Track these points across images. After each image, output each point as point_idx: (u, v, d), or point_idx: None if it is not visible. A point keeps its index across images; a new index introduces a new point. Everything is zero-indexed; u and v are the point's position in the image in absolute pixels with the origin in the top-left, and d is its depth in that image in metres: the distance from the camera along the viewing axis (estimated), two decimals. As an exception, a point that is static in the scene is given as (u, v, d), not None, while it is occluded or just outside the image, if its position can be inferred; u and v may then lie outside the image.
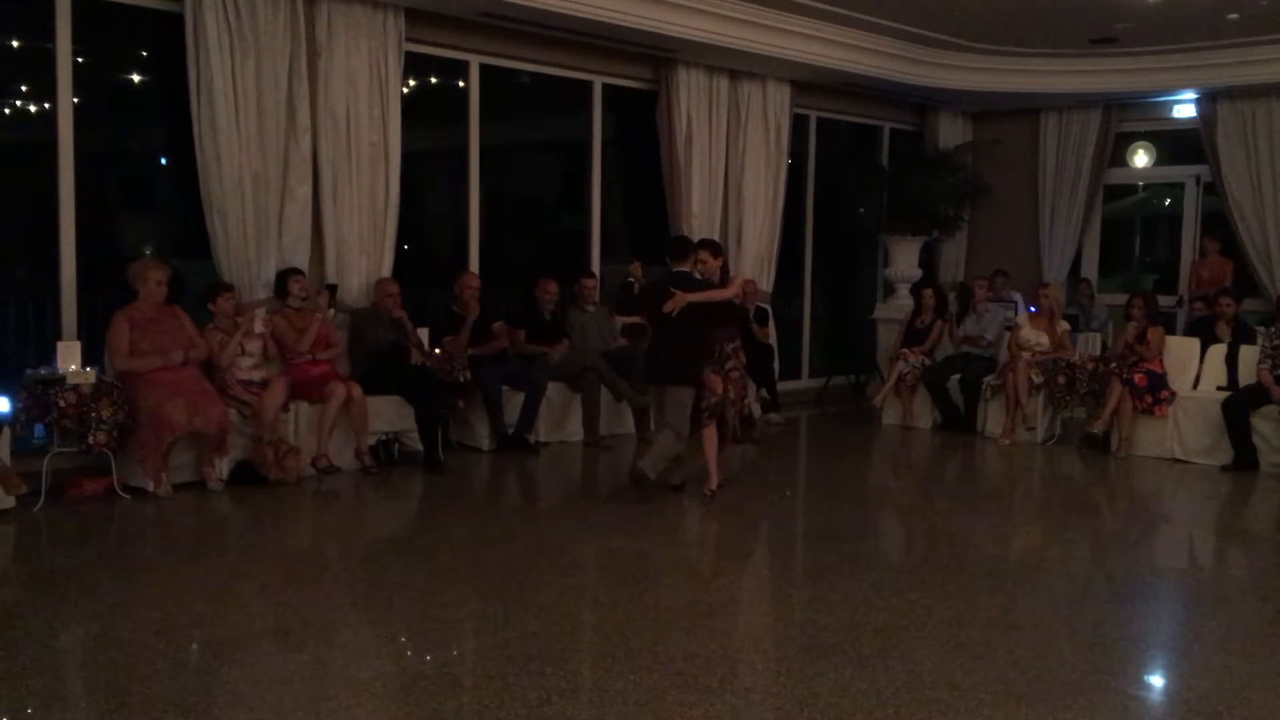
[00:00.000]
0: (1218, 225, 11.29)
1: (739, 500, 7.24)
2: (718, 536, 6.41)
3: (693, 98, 9.85)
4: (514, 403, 8.17)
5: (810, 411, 10.95)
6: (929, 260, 12.07)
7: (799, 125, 11.14)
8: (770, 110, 10.49)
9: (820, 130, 11.64)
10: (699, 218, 10.01)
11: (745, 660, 4.32)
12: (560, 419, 8.55)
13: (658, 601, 5.00)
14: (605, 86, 9.68)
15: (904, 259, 11.46)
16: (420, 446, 7.55)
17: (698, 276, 6.74)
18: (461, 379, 7.90)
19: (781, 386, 10.40)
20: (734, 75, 10.17)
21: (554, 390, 8.41)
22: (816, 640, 4.43)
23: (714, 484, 6.89)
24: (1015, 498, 7.84)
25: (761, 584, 5.58)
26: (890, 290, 11.69)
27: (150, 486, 6.44)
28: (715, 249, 6.92)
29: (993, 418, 9.23)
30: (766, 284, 10.61)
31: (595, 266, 9.71)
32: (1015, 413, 8.96)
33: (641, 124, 9.94)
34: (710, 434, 6.79)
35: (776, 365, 10.30)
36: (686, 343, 6.63)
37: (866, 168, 12.05)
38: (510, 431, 8.13)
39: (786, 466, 8.74)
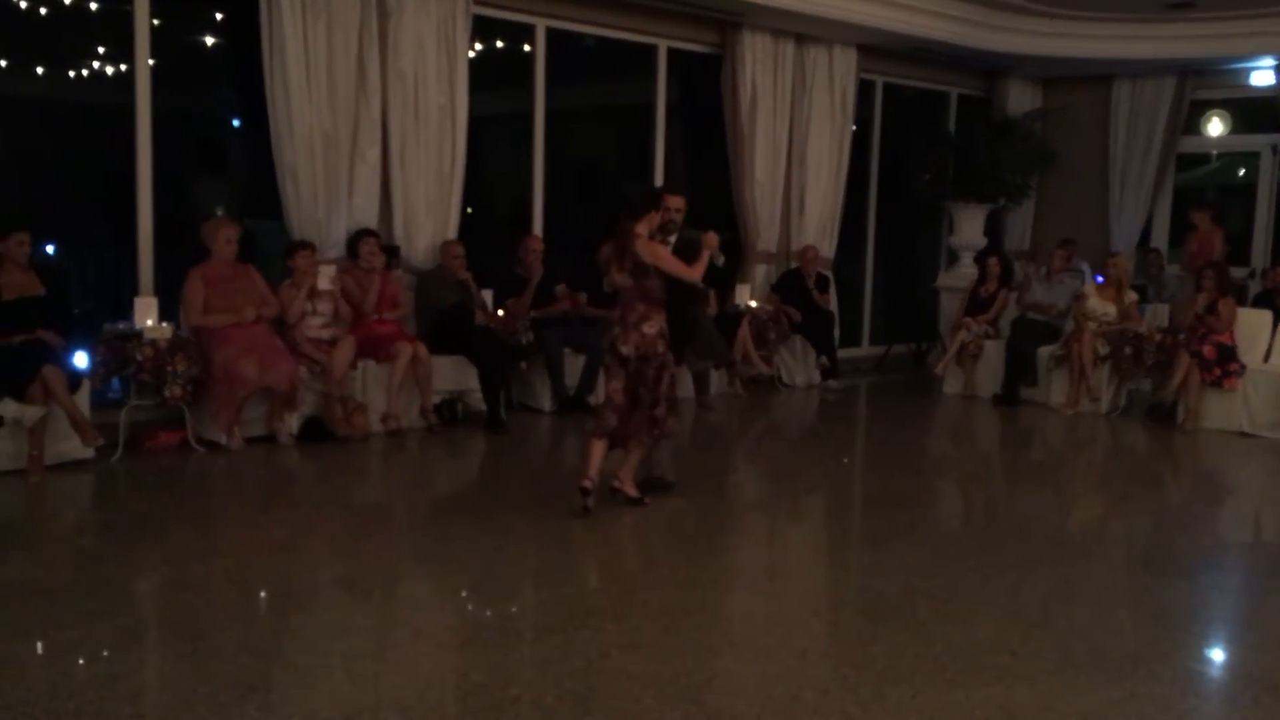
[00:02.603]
0: None
1: (798, 467, 7.28)
2: (776, 500, 6.45)
3: (758, 62, 9.79)
4: (575, 365, 8.24)
5: (870, 379, 10.90)
6: (994, 228, 11.91)
7: (865, 91, 11.01)
8: (836, 75, 10.39)
9: (886, 96, 11.50)
10: (762, 183, 9.98)
11: (802, 622, 4.37)
12: (620, 382, 8.59)
13: (715, 562, 5.06)
14: (670, 50, 9.65)
15: (969, 226, 11.33)
16: (483, 406, 7.66)
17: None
18: (524, 341, 7.99)
19: (841, 354, 10.36)
20: (800, 39, 10.08)
21: (615, 354, 8.45)
22: (874, 605, 4.46)
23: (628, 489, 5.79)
24: (1077, 469, 7.77)
25: (819, 548, 5.61)
26: (954, 258, 11.56)
27: (223, 439, 6.62)
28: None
29: (1056, 388, 9.13)
30: (829, 250, 10.55)
31: (657, 231, 9.70)
32: (1080, 383, 8.85)
33: (705, 88, 9.90)
34: (598, 448, 5.65)
35: (837, 332, 10.26)
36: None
37: (933, 134, 11.89)
38: (571, 393, 8.20)
39: (845, 434, 8.74)
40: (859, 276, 11.72)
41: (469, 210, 8.36)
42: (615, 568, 4.87)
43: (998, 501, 6.61)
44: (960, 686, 3.66)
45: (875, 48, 10.58)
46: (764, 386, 9.53)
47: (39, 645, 3.80)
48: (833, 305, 10.29)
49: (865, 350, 11.68)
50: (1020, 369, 9.28)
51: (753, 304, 9.53)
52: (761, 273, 10.17)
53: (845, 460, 7.71)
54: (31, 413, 5.68)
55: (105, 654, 3.77)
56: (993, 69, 11.85)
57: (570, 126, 10.83)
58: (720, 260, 6.12)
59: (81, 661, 3.70)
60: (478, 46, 8.52)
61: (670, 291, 5.73)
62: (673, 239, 5.87)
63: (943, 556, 5.14)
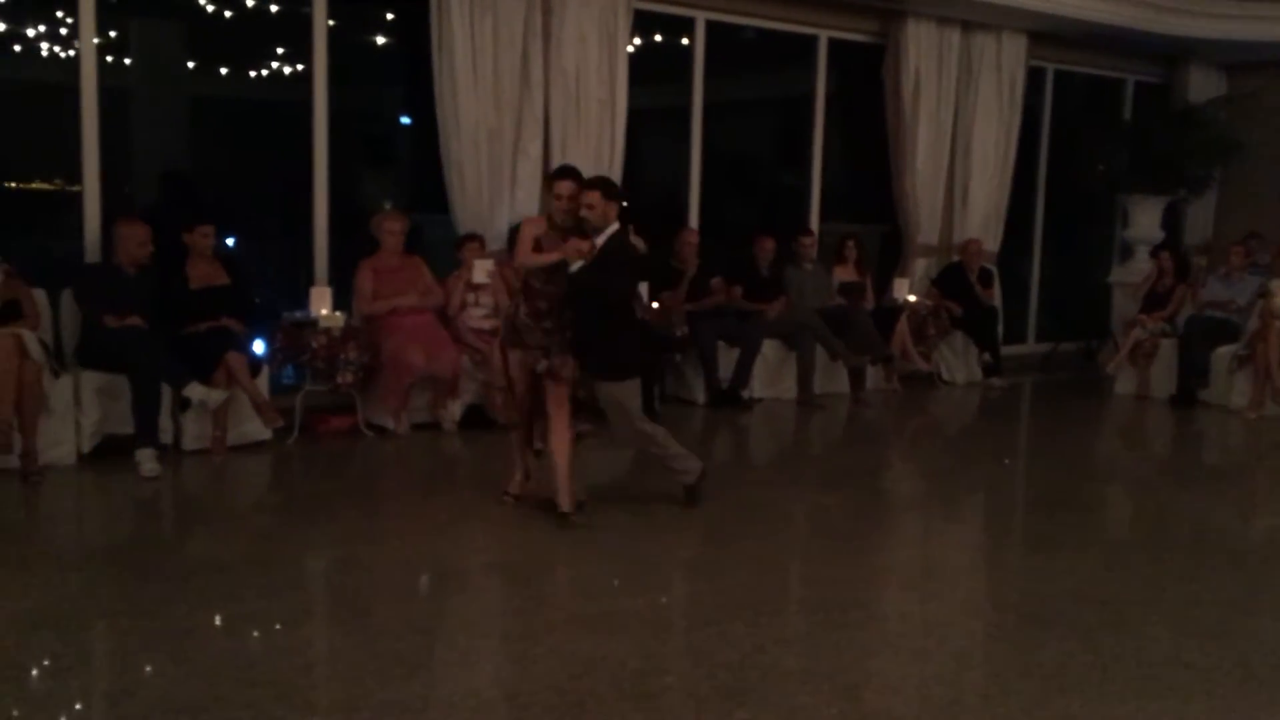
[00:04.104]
0: None
1: (957, 466, 7.09)
2: (933, 500, 6.29)
3: (921, 51, 9.57)
4: (729, 358, 8.23)
5: (1035, 378, 10.53)
6: (1172, 221, 11.33)
7: (1034, 78, 10.64)
8: (1004, 63, 10.06)
9: (1057, 83, 11.08)
10: (923, 175, 9.76)
11: (961, 624, 4.26)
12: (774, 376, 8.55)
13: (871, 560, 4.98)
14: (830, 40, 9.52)
15: (1145, 220, 10.81)
16: (637, 398, 7.71)
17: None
18: (678, 333, 8.02)
19: (1005, 350, 10.04)
20: (966, 27, 9.80)
21: (769, 347, 8.42)
22: (1038, 610, 4.31)
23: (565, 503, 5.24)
24: (1260, 475, 7.33)
25: (978, 550, 5.46)
26: (1128, 252, 11.06)
27: (391, 425, 6.86)
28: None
29: (1238, 389, 8.63)
30: (993, 243, 10.25)
31: (814, 224, 9.62)
32: (1264, 385, 8.34)
33: (865, 79, 9.74)
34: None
35: (1000, 328, 9.95)
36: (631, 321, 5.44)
37: (1107, 123, 11.39)
38: (724, 387, 8.19)
39: (1007, 433, 8.47)
40: (1025, 270, 11.34)
41: (624, 204, 8.42)
42: (768, 562, 4.84)
43: (1172, 508, 6.29)
44: (1131, 698, 3.51)
45: (1046, 34, 10.20)
46: (922, 383, 9.32)
47: (220, 617, 4.02)
48: (996, 300, 9.99)
49: (1030, 347, 11.30)
50: (1192, 369, 8.82)
51: (911, 298, 9.33)
52: (921, 266, 9.94)
53: (1007, 461, 7.47)
54: (216, 396, 6.00)
55: (279, 627, 3.95)
56: (1173, 54, 11.27)
57: (726, 119, 10.80)
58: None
59: (257, 634, 3.89)
60: (636, 40, 8.57)
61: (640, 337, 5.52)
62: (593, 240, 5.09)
63: (1112, 563, 4.94)
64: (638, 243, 5.55)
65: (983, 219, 10.16)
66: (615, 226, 5.11)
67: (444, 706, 3.33)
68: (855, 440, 7.95)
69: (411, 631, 3.93)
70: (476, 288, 7.35)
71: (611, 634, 4.01)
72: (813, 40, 9.47)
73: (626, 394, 5.23)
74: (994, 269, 10.11)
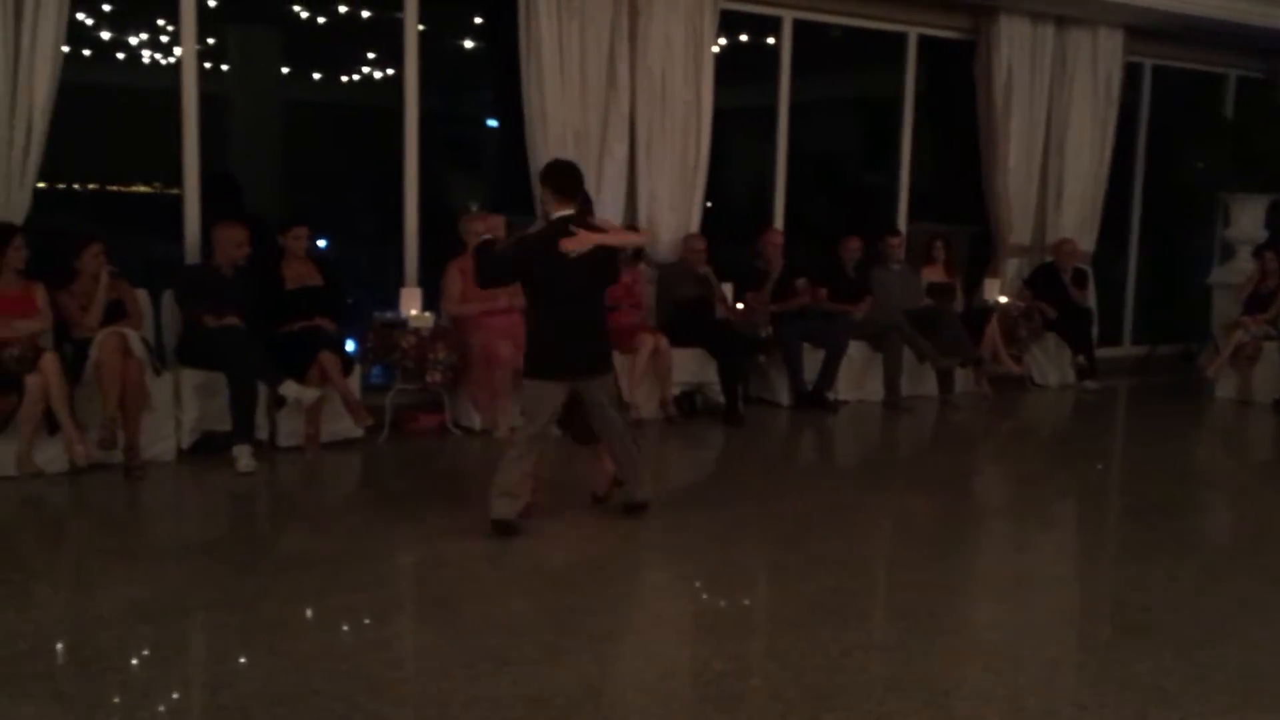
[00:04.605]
0: None
1: (1049, 471, 6.94)
2: (1025, 506, 6.16)
3: (1014, 47, 9.39)
4: (814, 360, 8.16)
5: (1131, 381, 10.25)
6: (1276, 220, 10.93)
7: (1131, 74, 10.36)
8: (1100, 58, 9.82)
9: (1155, 79, 10.77)
10: (1015, 174, 9.57)
11: (1055, 633, 4.16)
12: (860, 378, 8.46)
13: (960, 567, 4.90)
14: (920, 37, 9.40)
15: (1247, 219, 10.45)
16: (721, 399, 7.70)
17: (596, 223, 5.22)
18: (763, 334, 7.99)
19: (1100, 353, 9.79)
20: (1061, 22, 9.59)
21: (855, 349, 8.33)
22: (1136, 620, 4.20)
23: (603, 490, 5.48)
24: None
25: (1072, 557, 5.33)
26: (1230, 252, 10.70)
27: (478, 424, 6.93)
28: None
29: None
30: (1088, 243, 10.01)
31: (902, 224, 9.50)
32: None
33: (954, 76, 9.59)
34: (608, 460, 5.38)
35: (1095, 330, 9.71)
36: (588, 316, 5.05)
37: (1208, 120, 11.04)
38: (809, 388, 8.13)
39: (1102, 438, 8.25)
40: (1121, 271, 11.05)
41: (709, 204, 8.43)
42: (854, 567, 4.79)
43: (1275, 515, 6.07)
44: (1234, 712, 3.40)
45: (1144, 28, 9.93)
46: (1013, 386, 9.13)
47: (313, 610, 4.10)
48: (1090, 301, 9.75)
49: (1126, 350, 11.01)
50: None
51: (1002, 299, 9.15)
52: (1013, 267, 9.75)
53: (1100, 466, 7.28)
54: (309, 394, 6.13)
55: (370, 622, 4.02)
56: (1276, 48, 10.88)
57: (811, 118, 10.72)
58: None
59: (348, 628, 3.96)
60: (721, 40, 8.55)
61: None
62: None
63: (1214, 574, 4.79)
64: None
65: (1077, 218, 9.93)
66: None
67: (531, 703, 3.36)
68: (943, 444, 7.82)
69: (497, 628, 3.97)
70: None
71: (695, 636, 4.01)
72: (902, 38, 9.36)
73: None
74: (1089, 269, 9.88)
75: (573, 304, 4.94)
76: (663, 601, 4.42)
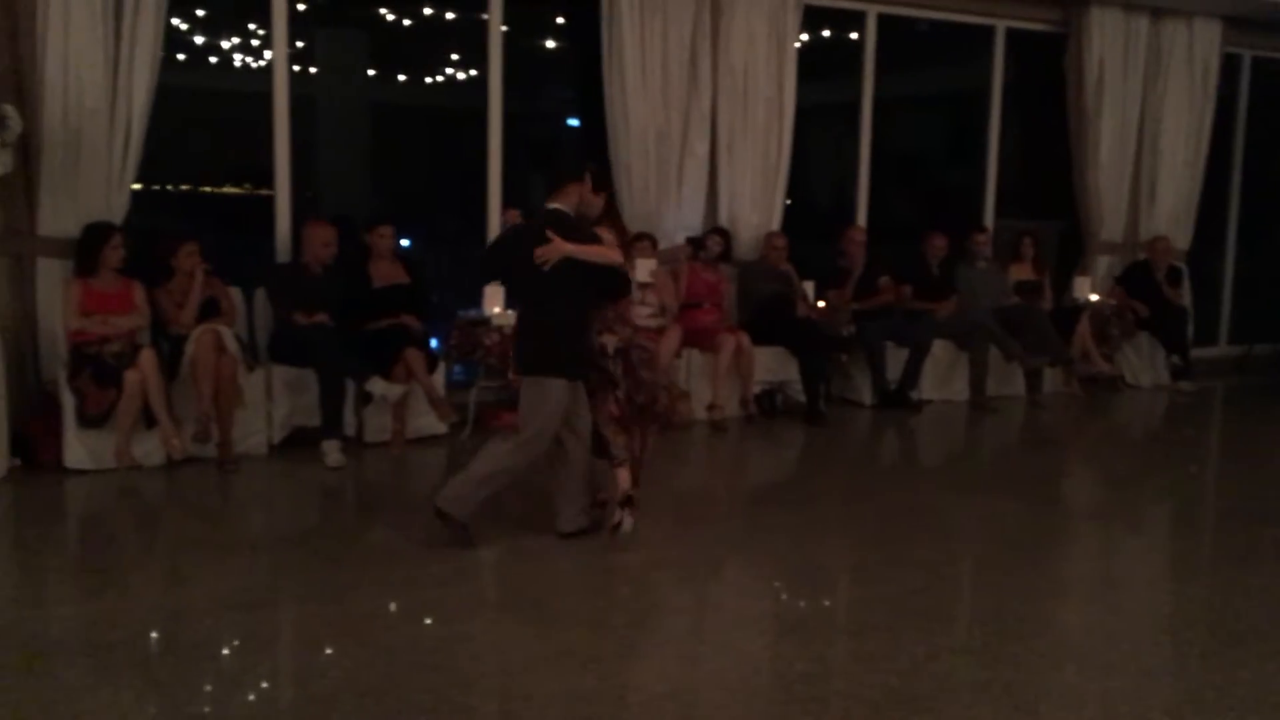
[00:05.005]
0: None
1: (1141, 473, 6.76)
2: (1116, 509, 6.01)
3: (1106, 39, 9.16)
4: (897, 359, 8.06)
5: (1228, 381, 9.95)
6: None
7: (1229, 66, 10.04)
8: (1197, 50, 9.54)
9: (1254, 71, 10.43)
10: (1107, 169, 9.34)
11: (1148, 639, 4.06)
12: (945, 377, 8.33)
13: (1048, 570, 4.80)
14: (1008, 31, 9.22)
15: (1353, 214, 10.08)
16: (802, 398, 7.65)
17: (570, 214, 4.81)
18: (845, 333, 7.91)
19: (1195, 353, 9.51)
20: (1155, 14, 9.33)
21: (939, 347, 8.20)
22: (1235, 626, 4.07)
23: (617, 519, 4.97)
24: None
25: (1166, 561, 5.19)
26: (1332, 250, 10.33)
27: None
28: (595, 179, 4.95)
29: None
30: (1183, 240, 9.73)
31: (988, 221, 9.34)
32: None
33: (1044, 70, 9.39)
34: (623, 475, 4.95)
35: (1190, 329, 9.44)
36: (560, 317, 4.72)
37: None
38: (892, 388, 8.03)
39: (1197, 439, 8.01)
40: (1217, 268, 10.72)
41: (789, 202, 8.38)
42: (939, 569, 4.71)
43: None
44: (1341, 727, 3.27)
45: (1243, 19, 9.62)
46: (1105, 387, 8.91)
47: (400, 603, 4.16)
48: (1185, 300, 9.48)
49: (1223, 349, 10.67)
50: None
51: (1093, 298, 8.94)
52: (1103, 264, 9.52)
53: (1194, 468, 7.07)
54: (395, 391, 6.23)
55: (455, 615, 4.07)
56: (1385, 36, 10.48)
57: (895, 114, 10.60)
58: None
59: (434, 621, 4.01)
60: (803, 36, 8.48)
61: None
62: None
63: (1318, 581, 4.62)
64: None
65: (1171, 215, 9.66)
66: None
67: (614, 700, 3.37)
68: (1031, 445, 7.67)
69: (580, 624, 3.99)
70: (643, 286, 7.40)
71: (778, 636, 3.99)
72: (990, 31, 9.19)
73: None
74: (1183, 267, 9.60)
75: (550, 303, 4.70)
76: (744, 601, 4.40)
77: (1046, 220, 9.81)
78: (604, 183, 5.07)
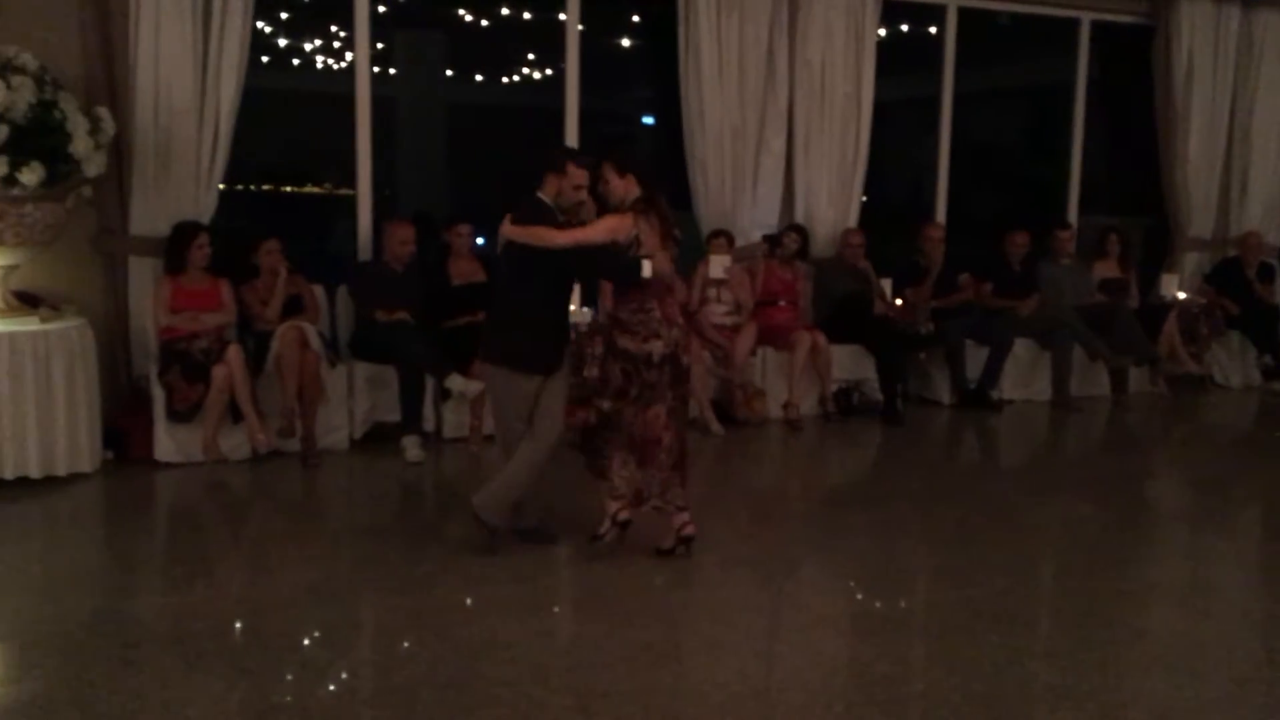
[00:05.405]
0: None
1: (1230, 476, 6.57)
2: (1204, 511, 5.84)
3: (1196, 32, 8.91)
4: (977, 357, 7.93)
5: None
6: None
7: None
8: (1290, 41, 9.26)
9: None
10: (1195, 164, 9.10)
11: (1240, 646, 3.94)
12: (1027, 376, 8.17)
13: (1134, 574, 4.68)
14: (1093, 23, 9.03)
15: None
16: (879, 396, 7.56)
17: (548, 203, 4.59)
18: (924, 331, 7.80)
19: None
20: (1247, 5, 9.06)
21: (1021, 346, 8.05)
22: (1332, 636, 3.94)
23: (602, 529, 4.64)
24: None
25: (1258, 566, 5.04)
26: None
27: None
28: (617, 164, 4.59)
29: None
30: (1276, 237, 9.43)
31: (1072, 217, 9.15)
32: None
33: (1130, 63, 9.17)
34: (611, 506, 4.61)
35: (1283, 329, 9.16)
36: (522, 308, 4.59)
37: None
38: (972, 387, 7.90)
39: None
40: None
41: (865, 198, 8.30)
42: (1021, 571, 4.63)
43: None
44: None
45: (1340, 7, 9.31)
46: (1193, 387, 8.68)
47: (478, 597, 4.19)
48: (1277, 297, 9.19)
49: (1317, 350, 10.32)
50: None
51: (1181, 295, 8.71)
52: (1192, 261, 9.27)
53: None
54: (473, 387, 6.28)
55: (533, 611, 4.10)
56: None
57: (975, 109, 10.44)
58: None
59: (512, 616, 4.02)
60: (880, 31, 8.39)
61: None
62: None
63: None
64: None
65: (1264, 210, 9.37)
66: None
67: (693, 697, 3.37)
68: (1116, 446, 7.50)
69: (657, 621, 3.99)
70: (718, 283, 7.39)
71: (858, 637, 3.95)
72: (1074, 23, 9.01)
73: None
74: (1275, 263, 9.31)
75: (514, 293, 4.60)
76: (823, 601, 4.37)
77: (1132, 217, 9.59)
78: (635, 167, 4.59)
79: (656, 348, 4.52)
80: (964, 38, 8.63)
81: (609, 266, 4.56)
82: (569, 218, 4.64)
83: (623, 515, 4.54)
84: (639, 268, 4.40)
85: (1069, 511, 5.64)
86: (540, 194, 4.61)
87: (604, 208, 4.67)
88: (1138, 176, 9.46)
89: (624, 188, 4.54)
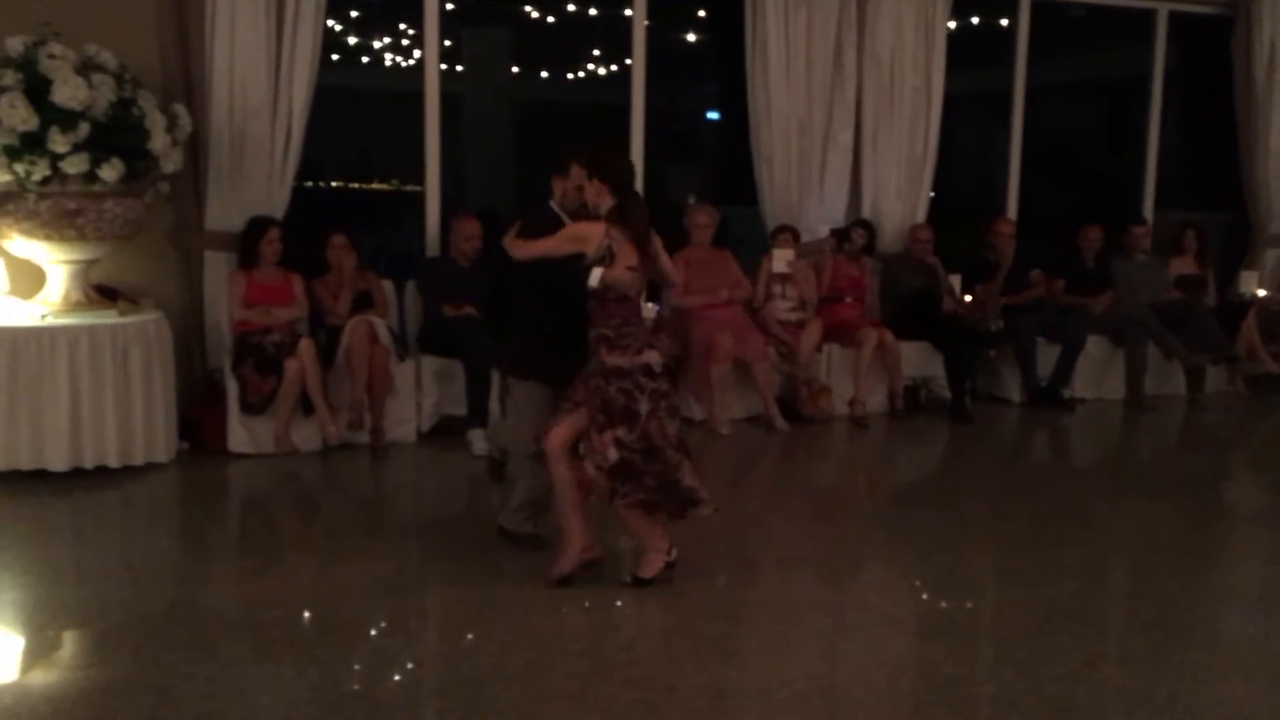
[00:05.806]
0: None
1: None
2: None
3: (1278, 22, 8.67)
4: (1048, 355, 7.79)
5: None
6: None
7: None
8: (1378, 29, 8.96)
9: None
10: (1277, 158, 8.85)
11: (1325, 655, 3.83)
12: (1099, 375, 8.01)
13: (1212, 577, 4.59)
14: (1171, 14, 8.82)
15: None
16: (948, 394, 7.47)
17: (554, 209, 4.44)
18: (993, 328, 7.68)
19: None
20: (1331, -8, 8.81)
21: (1094, 344, 7.90)
22: None
23: (648, 569, 4.21)
24: None
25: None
26: None
27: (696, 416, 6.96)
28: (588, 167, 4.21)
29: None
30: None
31: (1148, 212, 8.95)
32: None
33: (1209, 55, 8.94)
34: (634, 518, 4.19)
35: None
36: (529, 317, 4.47)
37: None
38: (1043, 385, 7.77)
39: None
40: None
41: (933, 194, 8.19)
42: (1094, 574, 4.54)
43: None
44: None
45: None
46: (1272, 386, 8.44)
47: (541, 591, 4.17)
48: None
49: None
50: None
51: (1261, 293, 8.49)
52: (1272, 258, 9.02)
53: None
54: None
55: (598, 605, 4.09)
56: None
57: (1047, 102, 10.25)
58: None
59: (577, 610, 4.03)
60: (951, 24, 8.27)
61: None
62: None
63: None
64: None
65: (1348, 204, 9.10)
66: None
67: (758, 694, 3.35)
68: (1192, 446, 7.33)
69: (722, 618, 3.98)
70: (783, 279, 7.35)
71: (924, 637, 3.90)
72: (1151, 14, 8.81)
73: None
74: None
75: (522, 301, 4.48)
76: (889, 600, 4.32)
77: (1211, 212, 9.35)
78: (606, 173, 4.17)
79: (653, 357, 4.18)
80: (1037, 30, 8.48)
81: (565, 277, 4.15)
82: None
83: (673, 555, 4.22)
84: (585, 277, 4.04)
85: (1144, 513, 5.52)
86: (552, 201, 4.46)
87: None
88: (1216, 171, 9.22)
89: (594, 193, 4.16)
